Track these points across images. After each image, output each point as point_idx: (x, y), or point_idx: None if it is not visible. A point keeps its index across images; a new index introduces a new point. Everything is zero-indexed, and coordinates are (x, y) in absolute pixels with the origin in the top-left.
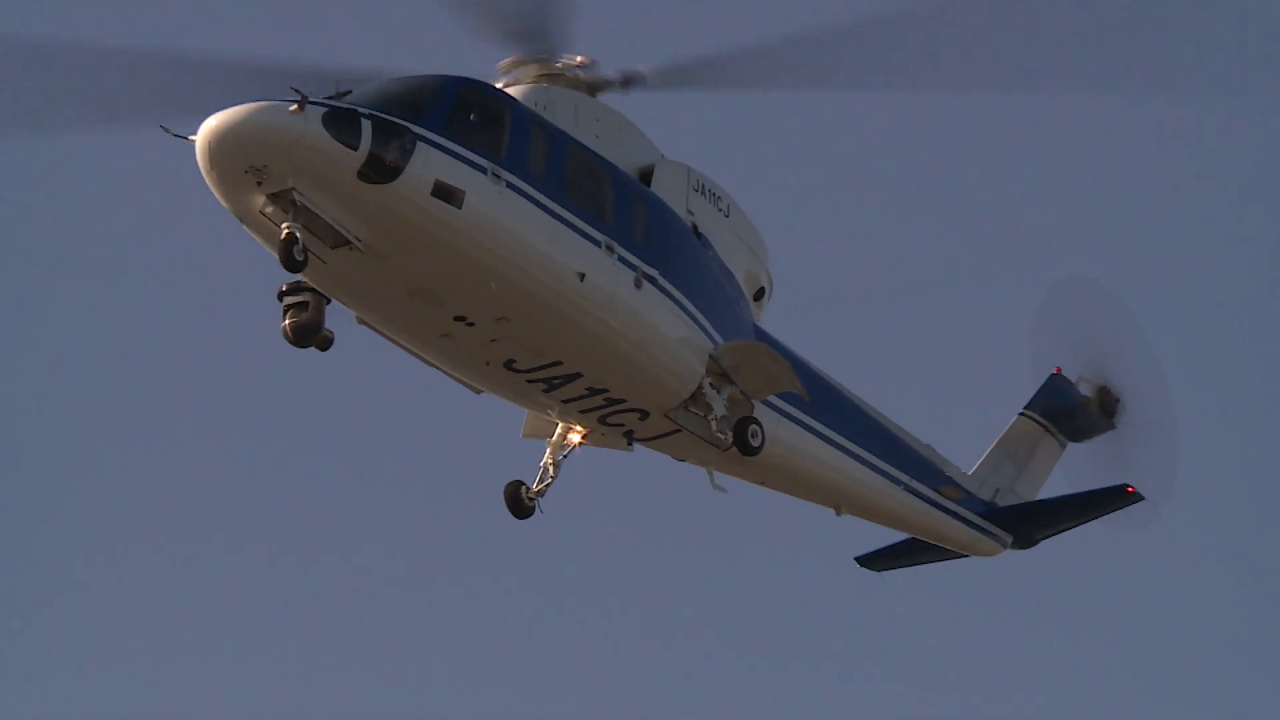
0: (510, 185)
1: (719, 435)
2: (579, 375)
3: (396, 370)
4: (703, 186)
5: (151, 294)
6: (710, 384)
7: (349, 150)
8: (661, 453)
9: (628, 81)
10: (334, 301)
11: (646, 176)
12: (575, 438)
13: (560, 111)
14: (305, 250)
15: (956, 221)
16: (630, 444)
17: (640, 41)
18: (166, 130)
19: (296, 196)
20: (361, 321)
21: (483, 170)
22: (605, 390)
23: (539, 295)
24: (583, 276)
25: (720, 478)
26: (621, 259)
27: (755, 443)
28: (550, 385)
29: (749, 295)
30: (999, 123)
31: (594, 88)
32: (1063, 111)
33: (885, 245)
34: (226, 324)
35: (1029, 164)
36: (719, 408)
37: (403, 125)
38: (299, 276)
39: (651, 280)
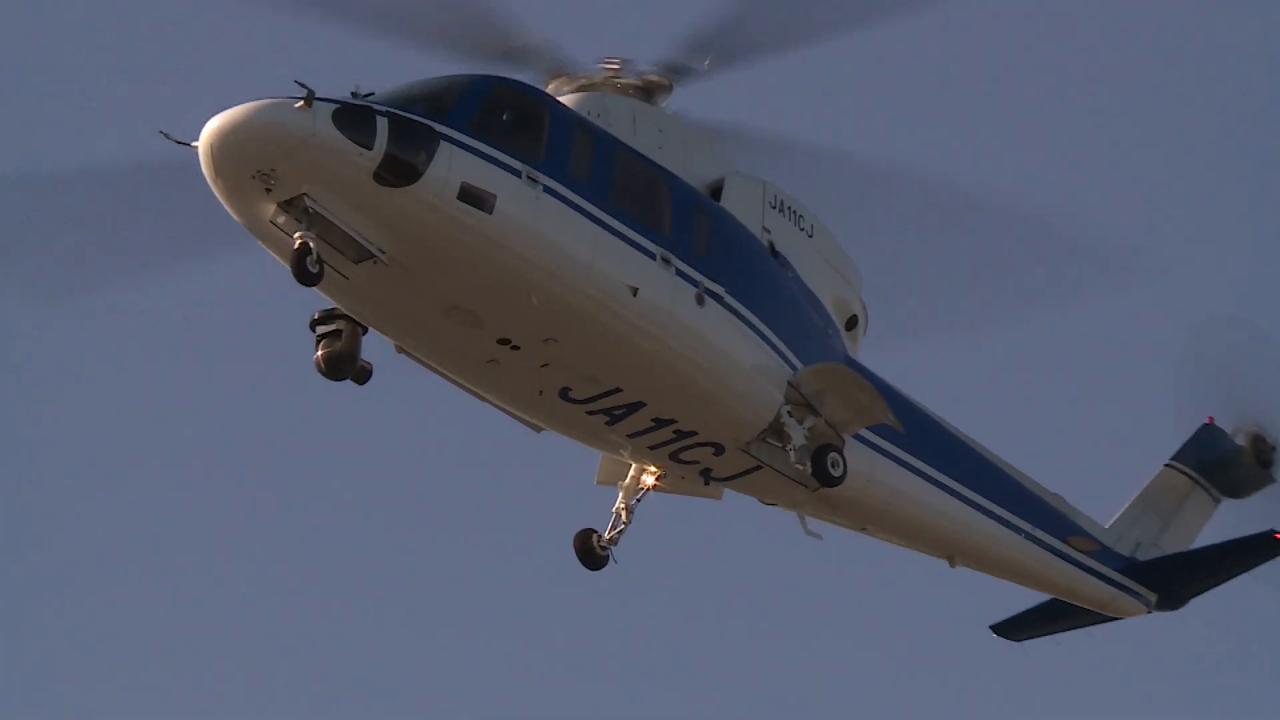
0: (548, 190)
1: (798, 467)
2: (642, 404)
3: (446, 406)
4: (781, 203)
5: (173, 322)
6: (789, 413)
7: (363, 150)
8: (747, 495)
9: (676, 74)
10: (371, 331)
11: (718, 192)
12: (649, 479)
13: (616, 120)
14: (319, 261)
15: (1086, 243)
16: (708, 483)
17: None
18: (168, 136)
19: (309, 203)
20: (401, 350)
21: (516, 173)
22: (673, 421)
23: (586, 311)
24: (635, 291)
25: (816, 524)
26: (680, 273)
27: (836, 472)
28: (613, 417)
29: (839, 322)
30: (1138, 131)
31: (648, 93)
32: (1212, 127)
33: (1000, 268)
34: (255, 357)
35: (1174, 182)
36: (798, 437)
37: (424, 124)
38: (330, 304)
39: (716, 297)
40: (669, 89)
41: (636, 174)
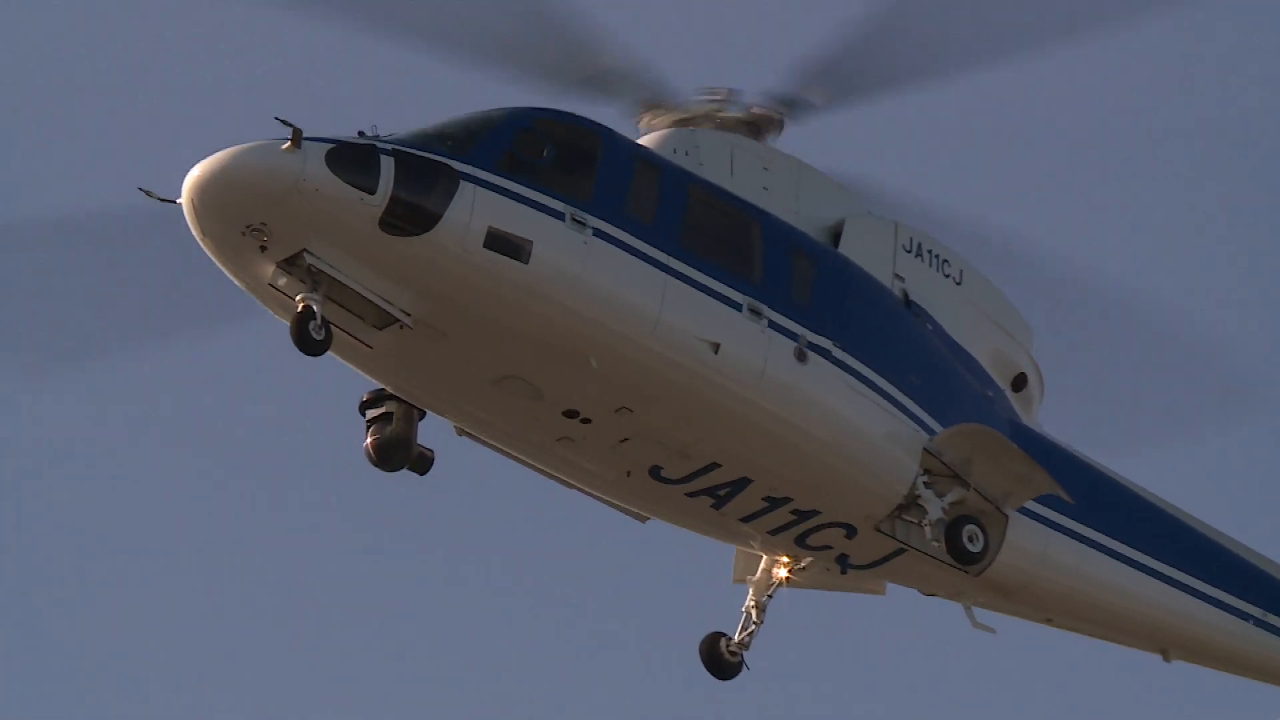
0: (599, 234)
1: (934, 544)
2: (747, 481)
3: (527, 496)
4: (919, 246)
5: (209, 414)
6: (926, 484)
7: (365, 195)
8: (902, 584)
9: (789, 108)
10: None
11: (840, 236)
12: (781, 572)
13: (710, 157)
14: (326, 327)
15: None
16: (845, 571)
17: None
18: (148, 194)
19: (310, 260)
20: (462, 432)
21: (558, 215)
22: (787, 500)
23: (658, 373)
24: (716, 347)
25: (988, 616)
26: (774, 325)
27: (975, 547)
28: (717, 499)
29: (1003, 382)
30: None
31: (758, 129)
32: None
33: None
34: (304, 449)
35: None
36: (934, 511)
37: (439, 161)
38: (380, 385)
39: (822, 352)
40: (780, 125)
41: (717, 214)
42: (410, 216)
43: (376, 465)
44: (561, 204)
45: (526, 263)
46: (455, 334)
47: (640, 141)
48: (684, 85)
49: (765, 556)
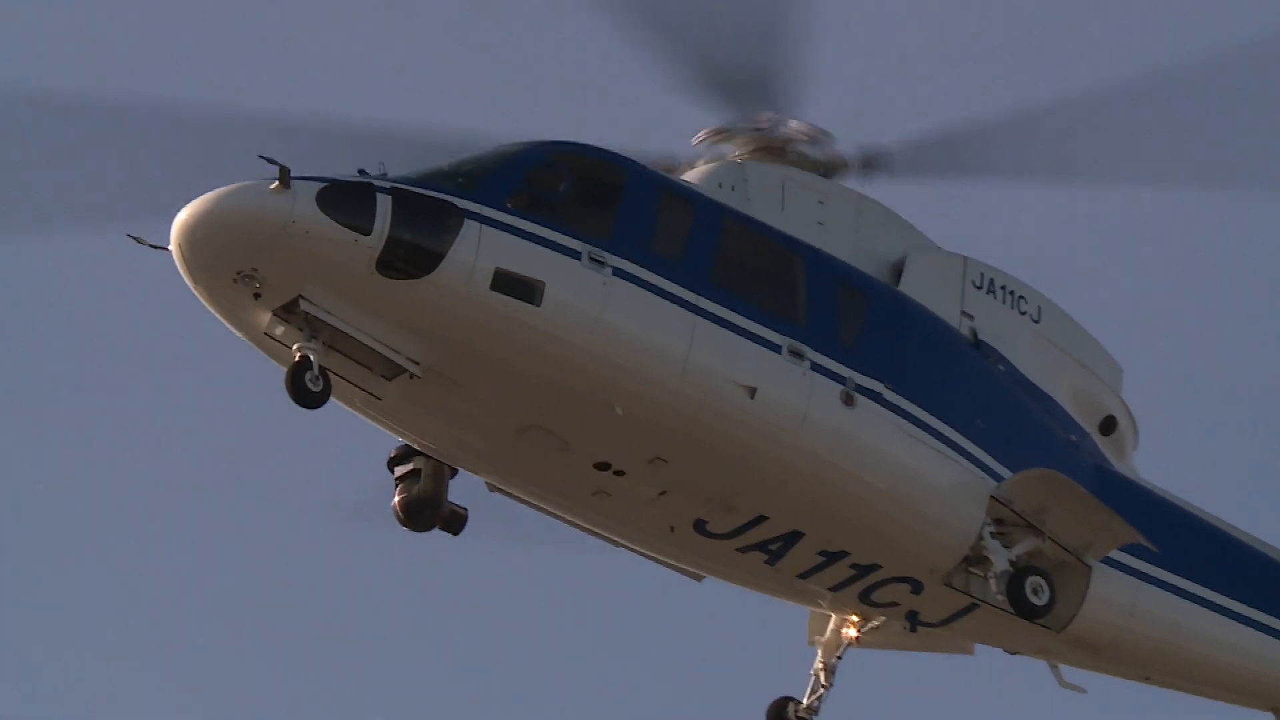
0: (620, 273)
1: (998, 597)
2: (799, 535)
3: (577, 556)
4: (991, 283)
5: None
6: (994, 534)
7: (360, 235)
8: (982, 643)
9: (869, 164)
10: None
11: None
12: (850, 631)
13: (759, 191)
14: (323, 377)
15: None
16: (915, 629)
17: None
18: (138, 241)
19: (307, 307)
20: (494, 488)
21: (575, 255)
22: (844, 554)
23: (690, 420)
24: (753, 392)
25: (1078, 674)
26: (818, 367)
27: (1039, 600)
28: (770, 554)
29: (1089, 425)
30: None
31: (827, 168)
32: None
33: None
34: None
35: None
36: (1000, 563)
37: (441, 199)
38: (406, 441)
39: (873, 395)
40: (855, 173)
41: (756, 251)
42: (410, 258)
43: (405, 525)
44: (579, 242)
45: (539, 305)
46: (469, 382)
47: (685, 175)
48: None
49: (834, 616)
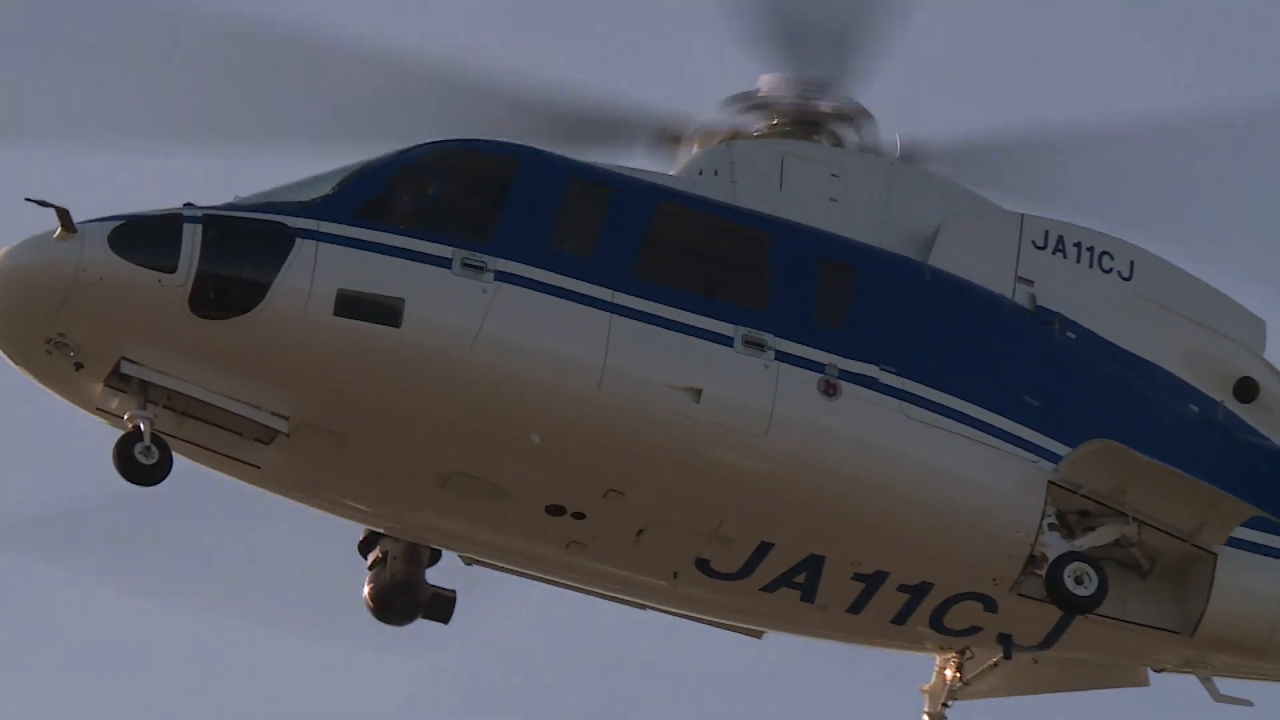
0: (506, 276)
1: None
2: (819, 559)
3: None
4: (1060, 240)
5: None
6: (1051, 524)
7: (162, 275)
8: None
9: (906, 157)
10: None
11: None
12: (950, 671)
13: (747, 172)
14: (159, 446)
15: None
16: (1009, 655)
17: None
18: None
19: (129, 369)
20: (471, 560)
21: (443, 262)
22: (883, 574)
23: (623, 437)
24: (698, 394)
25: (1236, 686)
26: (785, 356)
27: (1084, 590)
28: (800, 588)
29: (1219, 392)
30: None
31: (818, 124)
32: None
33: None
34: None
35: None
36: (1055, 549)
37: (265, 220)
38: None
39: (862, 381)
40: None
41: (701, 233)
42: (228, 293)
43: (381, 619)
44: (450, 248)
45: (399, 325)
46: (355, 432)
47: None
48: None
49: (938, 658)
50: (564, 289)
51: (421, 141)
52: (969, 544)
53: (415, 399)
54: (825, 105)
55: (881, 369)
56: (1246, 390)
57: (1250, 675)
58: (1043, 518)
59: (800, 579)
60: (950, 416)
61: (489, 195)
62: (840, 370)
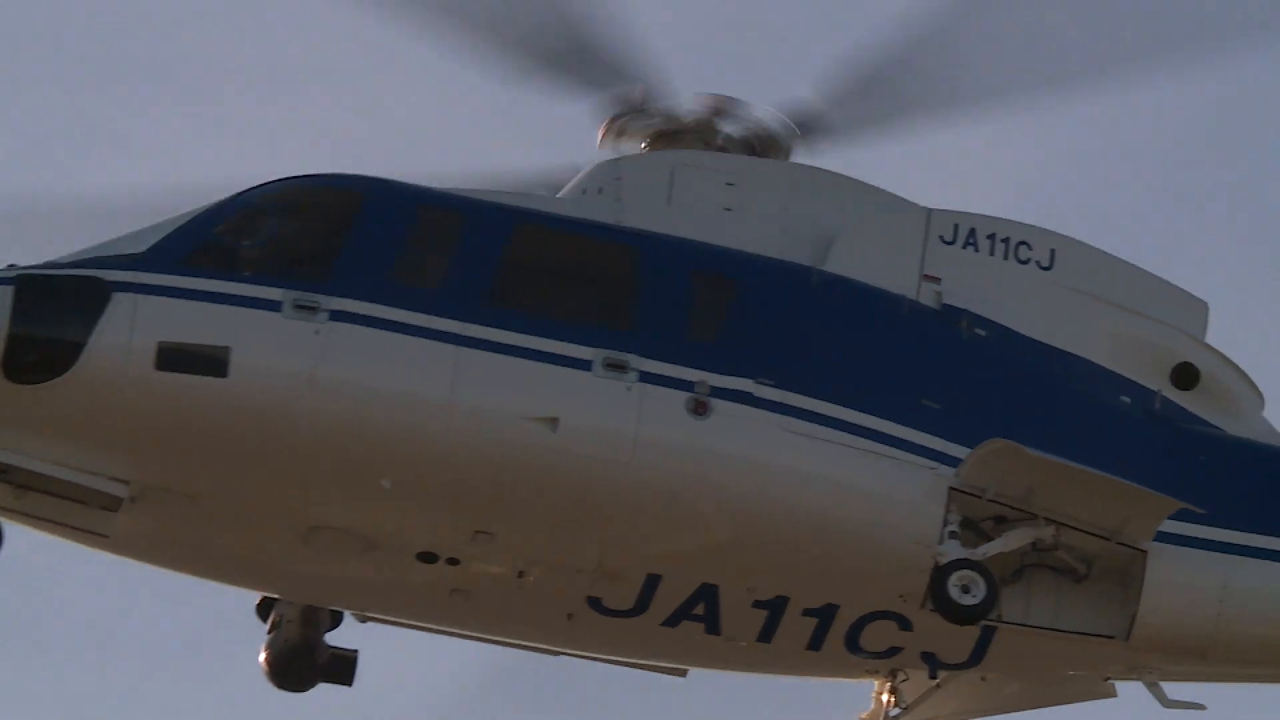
0: (342, 316)
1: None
2: (711, 587)
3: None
4: (971, 234)
5: None
6: (953, 533)
7: None
8: (1046, 674)
9: (807, 130)
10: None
11: None
12: (886, 696)
13: (633, 188)
14: None
15: None
16: (934, 675)
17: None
18: None
19: None
20: (365, 617)
21: (272, 306)
22: (784, 599)
23: (479, 474)
24: (554, 424)
25: (1197, 690)
26: (650, 376)
27: (970, 599)
28: (701, 619)
29: (1154, 381)
30: None
31: (761, 147)
32: None
33: None
34: None
35: None
36: (952, 552)
37: (82, 276)
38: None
39: (736, 396)
40: (787, 150)
41: (563, 254)
42: (41, 354)
43: (278, 686)
44: (281, 290)
45: (225, 375)
46: (201, 491)
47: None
48: (679, 90)
49: (876, 683)
50: (405, 324)
51: (254, 186)
52: (867, 560)
53: (253, 451)
54: (785, 138)
55: (758, 383)
56: (1186, 377)
57: (1200, 678)
58: (944, 526)
59: (699, 611)
60: (835, 427)
61: (329, 232)
62: (711, 387)
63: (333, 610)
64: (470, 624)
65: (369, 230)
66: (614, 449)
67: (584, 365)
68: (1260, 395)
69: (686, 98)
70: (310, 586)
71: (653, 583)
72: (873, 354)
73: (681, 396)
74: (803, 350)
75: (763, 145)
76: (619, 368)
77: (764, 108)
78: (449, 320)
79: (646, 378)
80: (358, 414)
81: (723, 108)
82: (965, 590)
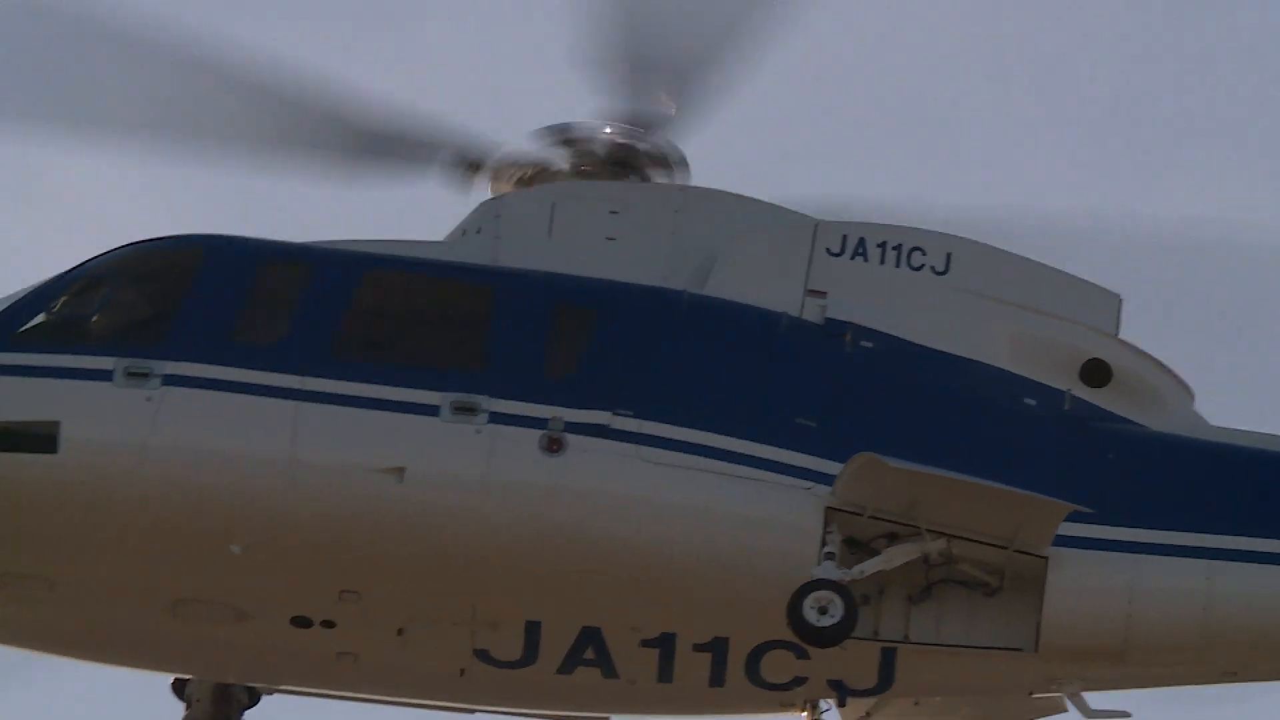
0: (177, 380)
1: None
2: (594, 630)
3: None
4: (860, 243)
5: None
6: (829, 553)
7: None
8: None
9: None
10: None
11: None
12: None
13: (512, 225)
14: None
15: None
16: (843, 703)
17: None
18: None
19: None
20: (267, 689)
21: (104, 375)
22: (672, 635)
23: (332, 531)
24: (401, 473)
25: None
26: (501, 417)
27: (826, 620)
28: (595, 664)
29: (1064, 380)
30: None
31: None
32: None
33: None
34: None
35: None
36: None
37: None
38: None
39: (592, 430)
40: (660, 155)
41: (414, 298)
42: None
43: None
44: (113, 359)
45: (55, 451)
46: (56, 573)
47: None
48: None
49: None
50: (243, 383)
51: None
52: (744, 588)
53: (93, 527)
54: (642, 146)
55: (615, 414)
56: (1097, 374)
57: (1131, 684)
58: (822, 547)
59: (589, 655)
60: (699, 454)
61: (166, 295)
62: (566, 423)
63: (248, 687)
64: (366, 687)
65: (208, 290)
66: (464, 494)
67: (431, 410)
68: (1187, 388)
69: (522, 138)
70: (197, 661)
71: (534, 629)
72: (742, 376)
73: (534, 435)
74: (665, 377)
75: (631, 160)
76: (468, 410)
77: (597, 123)
78: (289, 376)
79: (497, 418)
80: (194, 480)
81: (676, 162)
82: (822, 611)
